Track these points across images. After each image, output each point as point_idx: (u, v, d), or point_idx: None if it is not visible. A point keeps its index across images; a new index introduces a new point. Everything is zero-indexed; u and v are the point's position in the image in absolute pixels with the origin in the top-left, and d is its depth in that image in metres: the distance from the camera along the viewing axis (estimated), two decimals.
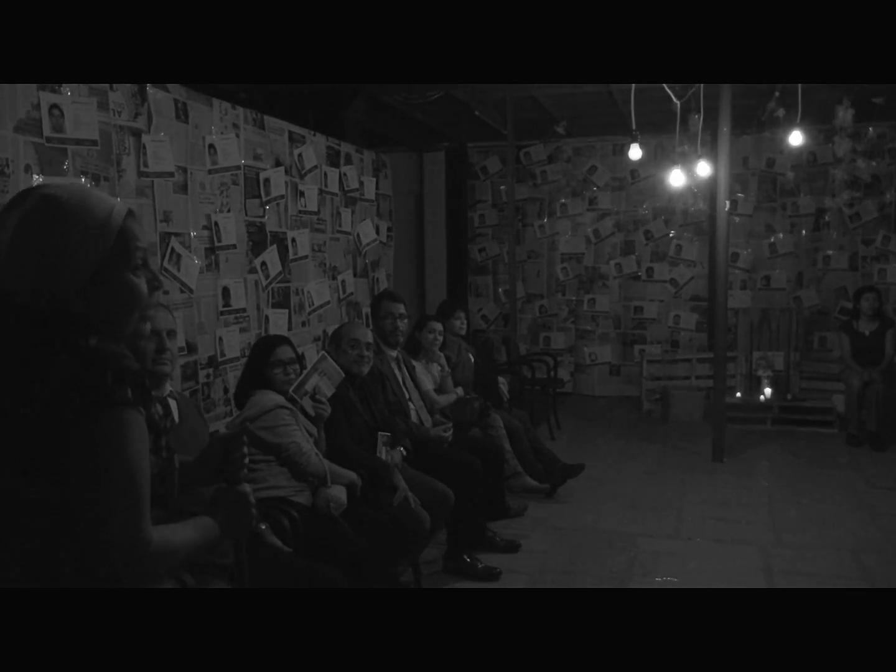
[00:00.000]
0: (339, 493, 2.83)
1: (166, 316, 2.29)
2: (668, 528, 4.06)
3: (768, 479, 4.91)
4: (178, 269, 3.28)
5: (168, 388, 2.28)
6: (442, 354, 4.49)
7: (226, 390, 3.61)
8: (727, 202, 5.09)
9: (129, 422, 1.11)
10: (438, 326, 4.39)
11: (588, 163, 7.63)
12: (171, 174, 3.22)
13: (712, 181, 5.34)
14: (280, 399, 2.86)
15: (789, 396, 6.46)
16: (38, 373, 1.08)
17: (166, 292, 3.20)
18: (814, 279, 7.15)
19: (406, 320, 3.98)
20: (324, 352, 3.21)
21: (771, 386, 6.41)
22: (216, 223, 3.56)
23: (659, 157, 7.11)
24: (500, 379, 5.33)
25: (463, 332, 5.08)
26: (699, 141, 5.13)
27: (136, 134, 3.03)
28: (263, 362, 2.90)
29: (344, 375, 3.10)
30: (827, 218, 7.02)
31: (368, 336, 3.44)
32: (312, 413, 2.94)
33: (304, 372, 2.98)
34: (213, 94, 3.60)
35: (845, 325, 6.09)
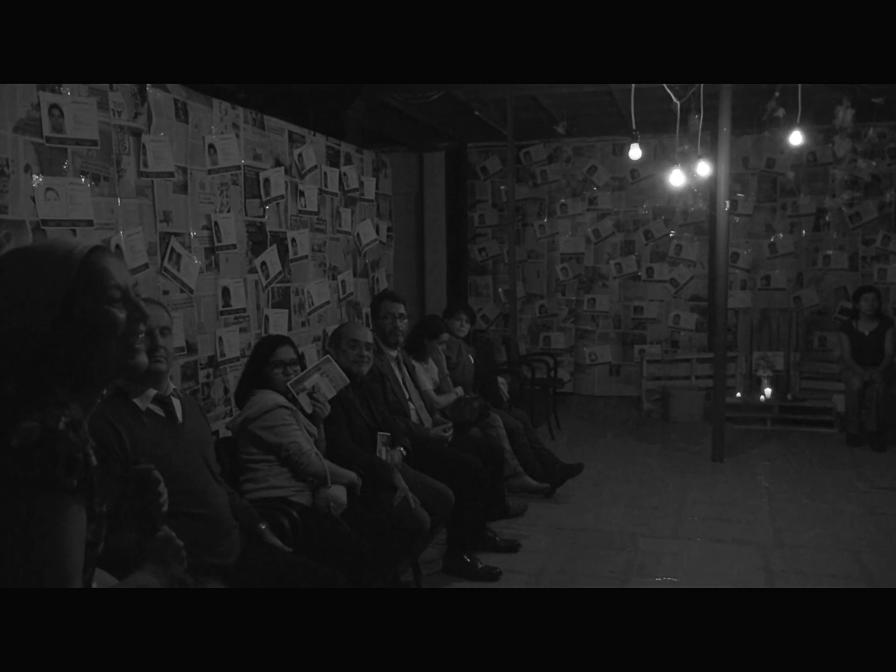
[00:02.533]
0: (339, 493, 2.83)
1: (160, 313, 2.24)
2: (668, 528, 4.06)
3: (768, 479, 4.91)
4: (178, 269, 3.28)
5: (171, 386, 2.27)
6: (442, 355, 4.51)
7: (226, 390, 3.61)
8: (727, 202, 5.10)
9: (67, 510, 1.09)
10: (446, 336, 4.51)
11: (588, 163, 7.63)
12: (171, 174, 3.22)
13: (712, 181, 5.34)
14: (280, 399, 2.86)
15: (789, 396, 6.46)
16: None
17: (166, 292, 3.20)
18: (814, 279, 7.15)
19: (406, 320, 3.99)
20: (328, 355, 3.21)
21: (771, 386, 6.41)
22: (216, 223, 3.56)
23: (659, 157, 7.11)
24: (500, 379, 5.33)
25: (462, 335, 5.10)
26: (699, 141, 5.13)
27: (136, 134, 3.03)
28: (264, 361, 2.91)
29: (348, 381, 3.10)
30: (827, 218, 7.02)
31: (368, 336, 3.43)
32: (309, 410, 2.94)
33: (307, 369, 2.99)
34: (212, 94, 3.60)
35: (845, 325, 6.09)
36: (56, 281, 1.17)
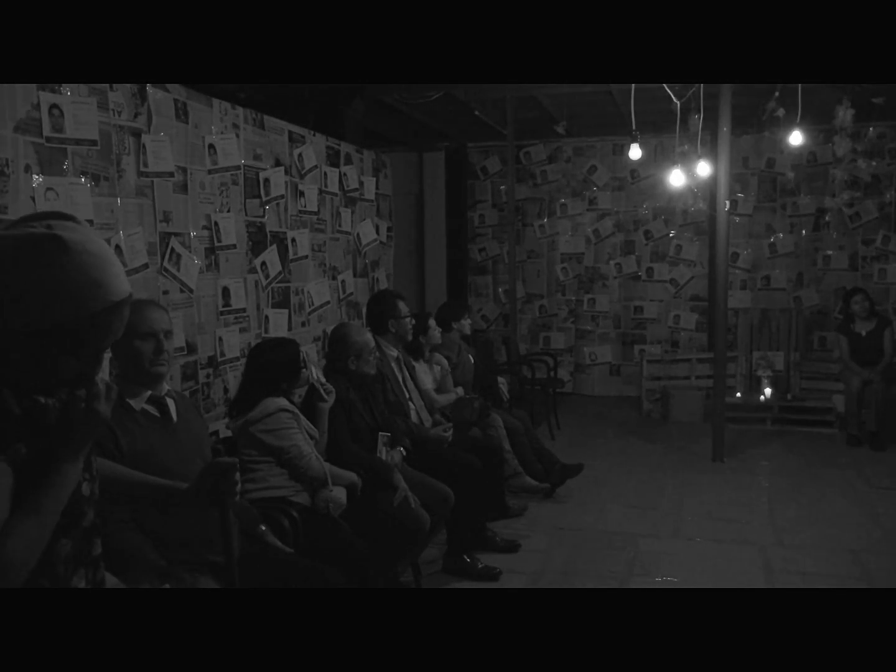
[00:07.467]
0: (338, 493, 2.83)
1: (163, 316, 2.24)
2: (668, 528, 4.06)
3: (768, 479, 4.91)
4: (178, 269, 3.27)
5: (166, 387, 2.27)
6: (442, 358, 4.52)
7: (225, 390, 3.61)
8: (727, 202, 5.10)
9: None
10: (433, 322, 4.46)
11: (588, 163, 7.63)
12: (171, 174, 3.22)
13: (712, 181, 5.34)
14: (283, 402, 2.86)
15: (789, 396, 6.46)
16: None
17: (166, 292, 3.20)
18: (814, 279, 7.15)
19: None
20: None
21: (771, 386, 6.41)
22: (216, 223, 3.56)
23: (659, 157, 7.11)
24: (500, 379, 5.33)
25: (469, 332, 5.14)
26: (699, 141, 5.13)
27: (136, 134, 3.03)
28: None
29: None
30: (827, 218, 7.02)
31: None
32: (327, 399, 3.02)
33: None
34: (213, 94, 3.60)
35: (842, 326, 6.08)
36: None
